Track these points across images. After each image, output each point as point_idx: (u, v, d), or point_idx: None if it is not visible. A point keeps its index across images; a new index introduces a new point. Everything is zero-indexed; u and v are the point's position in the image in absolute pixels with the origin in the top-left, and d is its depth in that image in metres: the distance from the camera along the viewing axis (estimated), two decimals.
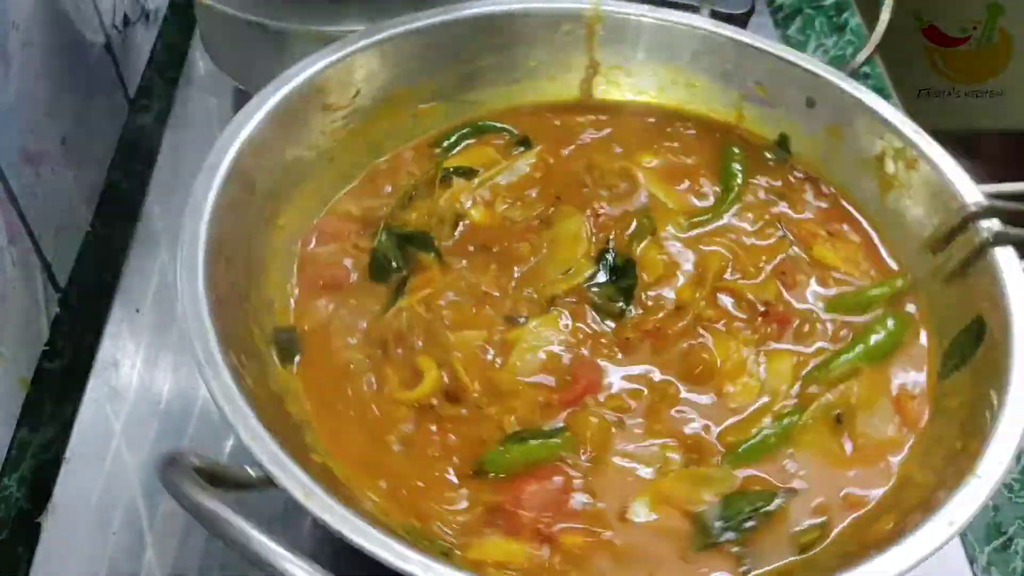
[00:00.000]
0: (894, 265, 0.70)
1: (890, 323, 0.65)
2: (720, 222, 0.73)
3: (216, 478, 0.52)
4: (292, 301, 0.67)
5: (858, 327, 0.66)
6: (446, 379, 0.62)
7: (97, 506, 0.66)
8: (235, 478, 0.53)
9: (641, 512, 0.57)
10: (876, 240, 0.72)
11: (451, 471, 0.59)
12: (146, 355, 0.75)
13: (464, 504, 0.58)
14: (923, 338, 0.65)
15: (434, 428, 0.61)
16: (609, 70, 0.82)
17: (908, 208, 0.70)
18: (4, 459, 0.67)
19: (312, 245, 0.70)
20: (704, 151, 0.78)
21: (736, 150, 0.77)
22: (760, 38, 0.78)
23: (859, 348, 0.64)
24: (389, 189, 0.74)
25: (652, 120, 0.81)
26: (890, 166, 0.70)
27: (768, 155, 0.78)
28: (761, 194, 0.75)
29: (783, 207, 0.74)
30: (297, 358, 0.63)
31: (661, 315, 0.66)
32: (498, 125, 0.80)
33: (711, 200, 0.75)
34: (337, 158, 0.74)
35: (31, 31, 0.72)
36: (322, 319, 0.66)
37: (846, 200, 0.74)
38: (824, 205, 0.74)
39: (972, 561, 0.67)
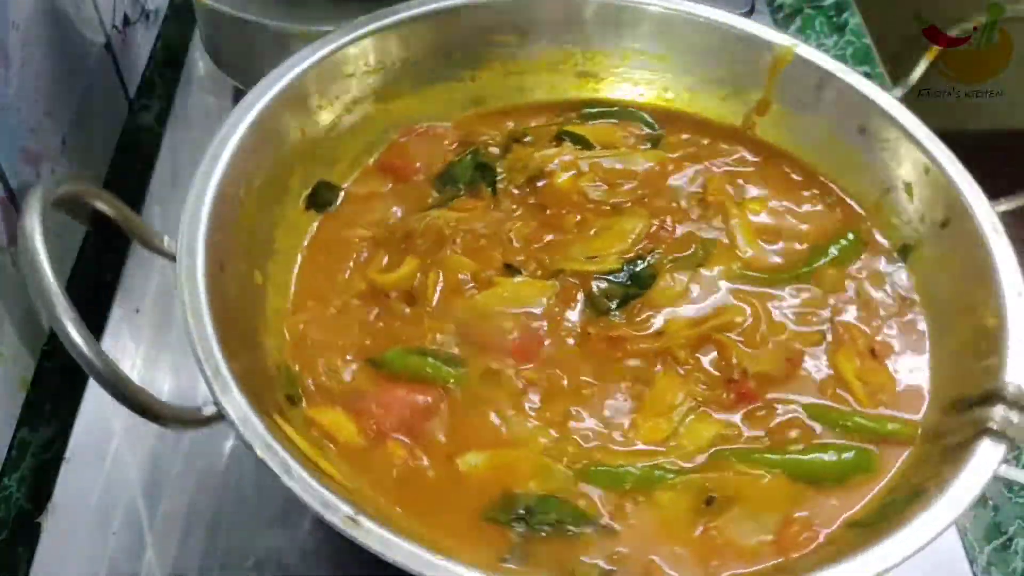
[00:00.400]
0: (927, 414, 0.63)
1: (847, 456, 0.61)
2: (770, 288, 0.69)
3: (130, 226, 0.60)
4: (359, 170, 0.76)
5: (813, 441, 0.61)
6: (416, 282, 0.67)
7: (97, 506, 0.66)
8: (145, 237, 0.61)
9: (469, 463, 0.59)
10: (927, 387, 0.65)
11: (356, 349, 0.64)
12: (146, 355, 0.75)
13: (345, 376, 0.63)
14: (874, 489, 0.59)
15: (375, 312, 0.66)
16: (779, 112, 0.79)
17: (972, 365, 0.62)
18: (4, 459, 0.67)
19: (408, 138, 0.78)
20: (823, 225, 0.74)
21: (850, 236, 0.72)
22: (933, 136, 0.70)
23: (787, 456, 0.60)
24: (511, 126, 0.80)
25: (795, 177, 0.77)
26: (980, 319, 0.63)
27: (882, 258, 0.72)
28: (846, 289, 0.70)
29: (851, 307, 0.69)
30: (331, 207, 0.73)
31: (635, 331, 0.66)
32: (646, 118, 0.81)
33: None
34: (481, 84, 0.81)
35: (31, 31, 0.72)
36: (371, 191, 0.75)
37: (930, 337, 0.67)
38: (897, 329, 0.68)
39: (972, 561, 0.67)
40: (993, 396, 0.56)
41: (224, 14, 0.85)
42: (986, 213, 0.66)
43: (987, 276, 0.63)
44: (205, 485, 0.67)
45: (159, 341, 0.76)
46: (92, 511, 0.66)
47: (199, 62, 0.99)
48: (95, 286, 0.80)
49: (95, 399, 0.71)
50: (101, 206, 0.59)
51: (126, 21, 0.93)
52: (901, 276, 0.71)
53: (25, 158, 0.71)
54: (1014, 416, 0.55)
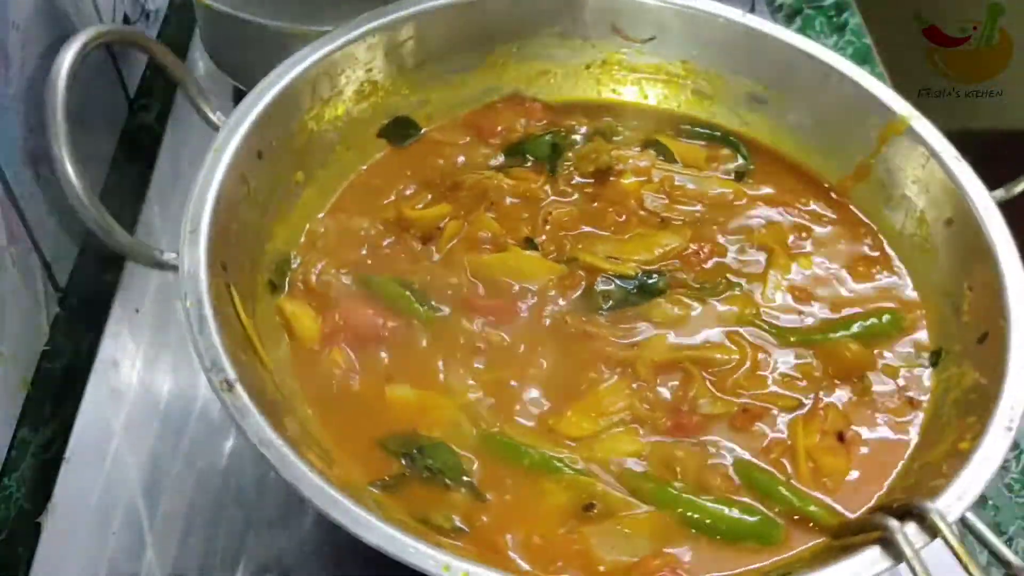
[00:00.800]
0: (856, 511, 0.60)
1: (749, 518, 0.58)
2: (772, 341, 0.67)
3: (180, 77, 0.68)
4: (447, 119, 0.81)
5: (726, 493, 0.59)
6: (441, 226, 0.72)
7: (97, 506, 0.66)
8: (192, 93, 0.69)
9: (395, 394, 0.62)
10: (880, 491, 0.61)
11: (354, 264, 0.69)
12: (146, 355, 0.75)
13: (331, 282, 0.68)
14: (761, 561, 0.57)
15: (389, 241, 0.71)
16: (877, 181, 0.75)
17: (928, 481, 0.58)
18: (4, 459, 0.67)
19: (504, 104, 0.82)
20: (869, 302, 0.71)
21: (884, 318, 0.69)
22: (1012, 246, 0.65)
23: (689, 496, 0.58)
24: (607, 120, 0.83)
25: (867, 249, 0.74)
26: (960, 440, 0.59)
27: (908, 353, 0.68)
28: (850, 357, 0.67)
29: (845, 388, 0.66)
30: (403, 143, 0.79)
31: (612, 335, 0.66)
32: (743, 150, 0.81)
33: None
34: (595, 74, 0.84)
35: (31, 31, 0.72)
36: (447, 140, 0.80)
37: (915, 445, 0.63)
38: (886, 425, 0.64)
39: None
40: (913, 513, 0.52)
41: (224, 14, 0.85)
42: (1022, 340, 0.61)
43: (990, 402, 0.58)
44: (205, 485, 0.67)
45: (159, 341, 0.76)
46: (92, 511, 0.66)
47: (199, 62, 0.99)
48: (95, 286, 0.80)
49: (95, 399, 0.71)
50: (152, 50, 0.67)
51: (126, 21, 0.93)
52: (920, 378, 0.67)
53: (25, 158, 0.71)
54: (918, 541, 0.50)
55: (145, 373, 0.74)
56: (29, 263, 0.71)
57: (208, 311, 0.56)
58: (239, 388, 0.53)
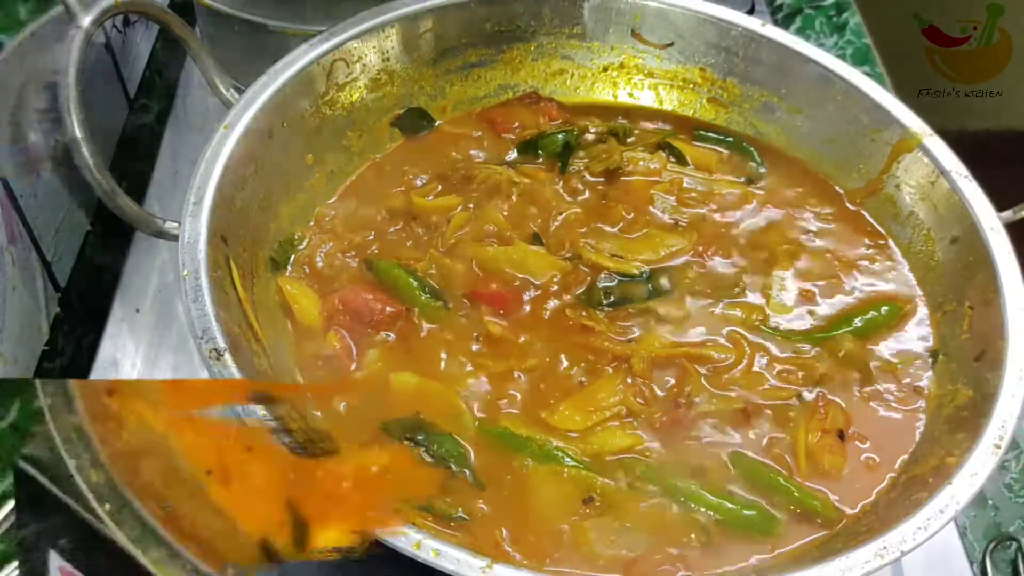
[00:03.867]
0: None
1: (748, 513, 0.59)
2: (772, 343, 0.67)
3: (195, 51, 0.70)
4: (461, 112, 0.83)
5: (723, 486, 0.60)
6: (448, 217, 0.72)
7: None
8: (206, 69, 0.72)
9: (404, 381, 0.63)
10: (874, 495, 0.61)
11: (360, 248, 0.71)
12: (146, 355, 0.75)
13: (337, 264, 0.69)
14: (759, 553, 0.58)
15: (396, 227, 0.73)
16: (886, 199, 0.76)
17: (911, 494, 0.58)
18: None
19: (521, 102, 0.84)
20: (870, 298, 0.72)
21: (884, 309, 0.71)
22: (1015, 269, 0.66)
23: (693, 487, 0.59)
24: (621, 122, 0.84)
25: (874, 252, 0.75)
26: (947, 455, 0.59)
27: (913, 343, 0.69)
28: (852, 363, 0.67)
29: (852, 382, 0.66)
30: (418, 134, 0.81)
31: (609, 331, 0.66)
32: (755, 156, 0.81)
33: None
34: (611, 77, 0.86)
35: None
36: (462, 133, 0.82)
37: (915, 445, 0.63)
38: (894, 418, 0.65)
39: (972, 561, 0.67)
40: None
41: (224, 14, 0.85)
42: (1018, 365, 0.61)
43: (981, 419, 0.59)
44: None
45: (159, 341, 0.76)
46: None
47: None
48: (95, 286, 0.80)
49: None
50: (167, 21, 0.68)
51: (126, 21, 0.93)
52: (922, 372, 0.68)
53: (25, 158, 0.71)
54: None
55: (145, 373, 0.73)
56: (29, 263, 0.71)
57: (204, 281, 0.57)
58: (227, 358, 0.54)
